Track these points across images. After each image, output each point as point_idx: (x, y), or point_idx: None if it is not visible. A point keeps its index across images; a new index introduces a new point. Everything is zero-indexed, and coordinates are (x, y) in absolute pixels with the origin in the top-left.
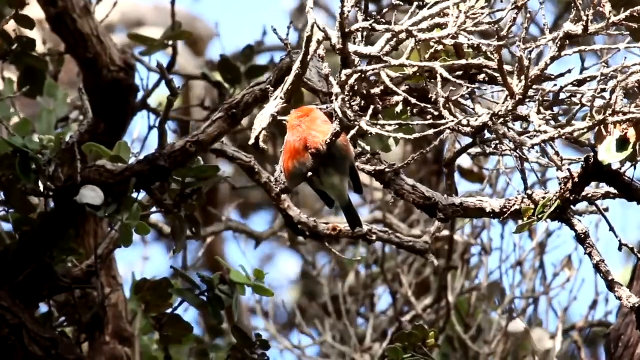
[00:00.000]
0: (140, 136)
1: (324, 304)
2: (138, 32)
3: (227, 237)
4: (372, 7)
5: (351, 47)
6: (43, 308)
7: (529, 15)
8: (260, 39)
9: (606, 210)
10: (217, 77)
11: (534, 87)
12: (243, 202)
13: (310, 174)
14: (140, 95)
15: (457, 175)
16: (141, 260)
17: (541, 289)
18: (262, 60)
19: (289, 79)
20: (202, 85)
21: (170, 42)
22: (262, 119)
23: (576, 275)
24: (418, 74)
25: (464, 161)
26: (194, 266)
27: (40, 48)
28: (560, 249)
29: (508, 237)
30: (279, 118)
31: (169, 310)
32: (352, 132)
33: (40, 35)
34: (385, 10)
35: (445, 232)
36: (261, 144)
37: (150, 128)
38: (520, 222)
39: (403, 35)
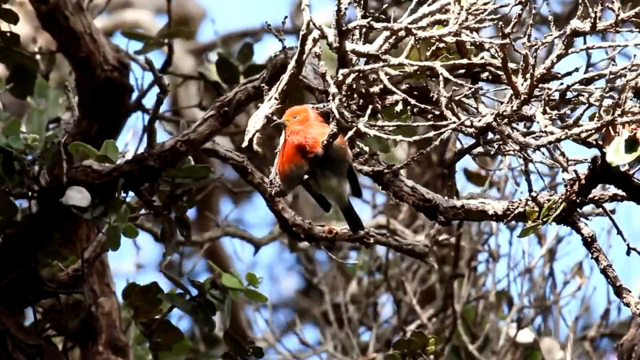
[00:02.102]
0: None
1: (324, 311)
2: (124, 14)
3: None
4: (372, 4)
5: (348, 46)
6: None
7: (534, 11)
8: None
9: (613, 212)
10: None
11: (540, 85)
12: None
13: (306, 176)
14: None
15: (463, 179)
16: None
17: (551, 297)
18: (259, 51)
19: (284, 79)
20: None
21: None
22: (256, 120)
23: (587, 283)
24: (418, 72)
25: (470, 164)
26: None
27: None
28: (571, 256)
29: (516, 243)
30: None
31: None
32: (350, 133)
33: (32, 33)
34: (385, 5)
35: (452, 239)
36: (255, 146)
37: (144, 129)
38: (524, 225)
39: (402, 33)
